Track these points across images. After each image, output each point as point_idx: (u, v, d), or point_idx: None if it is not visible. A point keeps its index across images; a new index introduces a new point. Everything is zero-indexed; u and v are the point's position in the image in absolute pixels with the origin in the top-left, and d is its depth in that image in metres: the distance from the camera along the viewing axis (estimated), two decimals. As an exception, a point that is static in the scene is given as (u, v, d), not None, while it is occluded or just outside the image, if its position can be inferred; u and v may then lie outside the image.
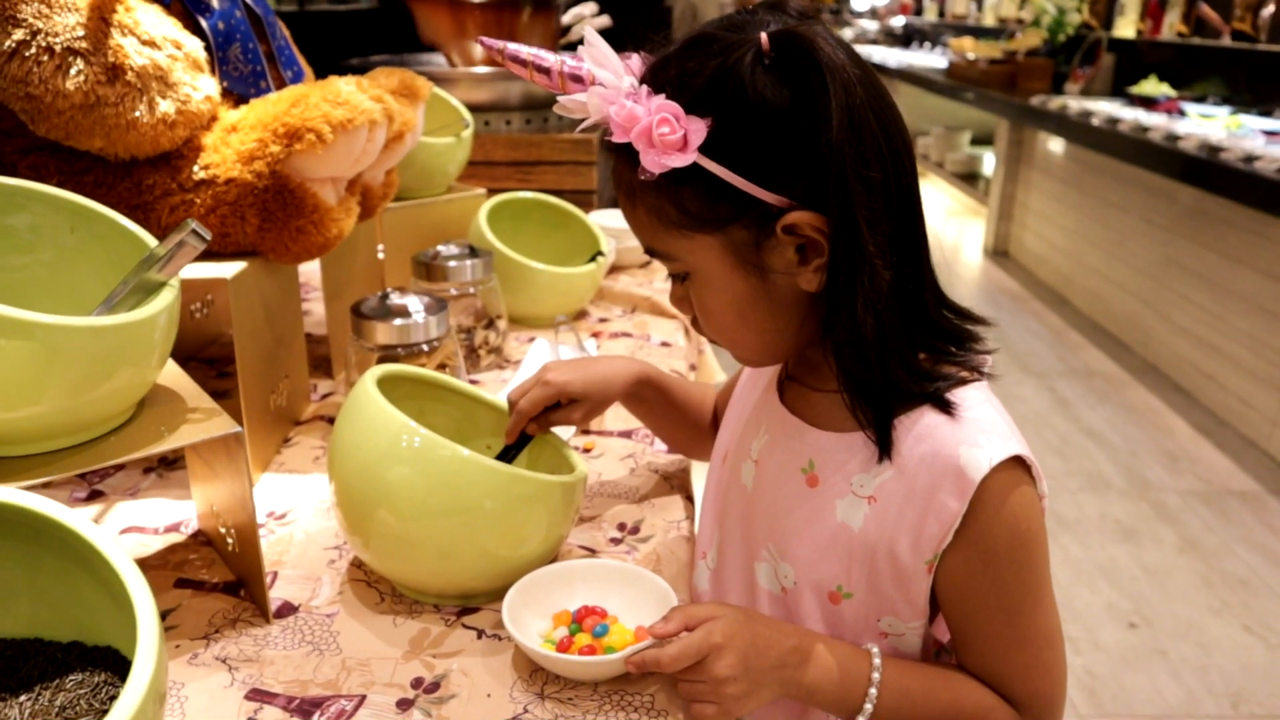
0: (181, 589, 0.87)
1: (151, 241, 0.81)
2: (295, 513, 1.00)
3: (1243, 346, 3.31)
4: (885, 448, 0.73)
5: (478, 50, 2.13)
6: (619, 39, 0.72)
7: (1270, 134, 3.35)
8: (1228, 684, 2.13)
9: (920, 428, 0.72)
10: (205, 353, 1.37)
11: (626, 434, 1.20)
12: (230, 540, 0.87)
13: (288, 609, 0.85)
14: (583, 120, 0.71)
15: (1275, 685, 2.13)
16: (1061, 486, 2.96)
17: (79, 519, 0.58)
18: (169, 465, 1.09)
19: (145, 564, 0.90)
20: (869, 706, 0.73)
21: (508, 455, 0.94)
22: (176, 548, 0.94)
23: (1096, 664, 2.19)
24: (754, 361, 0.83)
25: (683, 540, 0.97)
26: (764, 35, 0.66)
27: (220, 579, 0.89)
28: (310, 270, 1.49)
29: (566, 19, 2.33)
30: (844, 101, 0.65)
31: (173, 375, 0.85)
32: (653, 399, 1.03)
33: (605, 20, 2.33)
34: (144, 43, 0.94)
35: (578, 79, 0.71)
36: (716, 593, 0.89)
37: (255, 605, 0.85)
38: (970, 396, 0.73)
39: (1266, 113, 3.74)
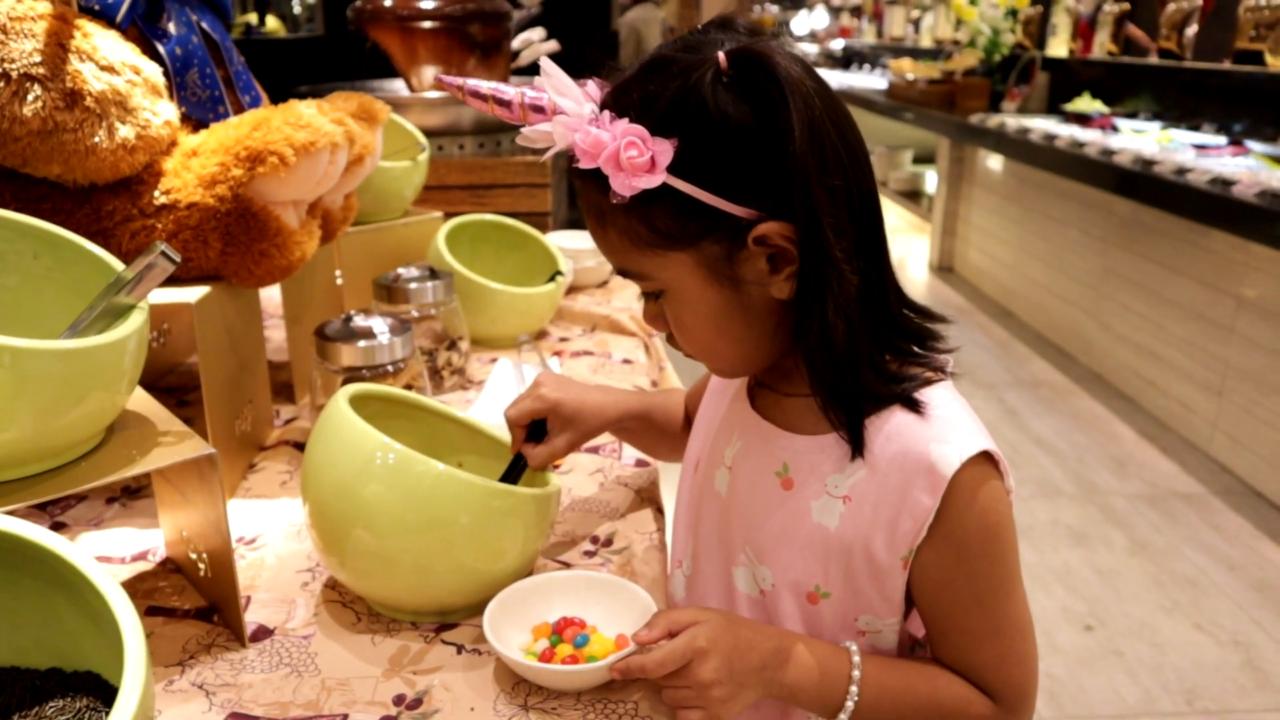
0: (153, 617, 0.86)
1: (117, 266, 0.80)
2: (265, 537, 0.99)
3: (1181, 353, 3.40)
4: (858, 447, 0.74)
5: (428, 75, 2.13)
6: (566, 64, 0.73)
7: (1200, 148, 3.47)
8: (1182, 681, 2.18)
9: (890, 427, 0.74)
10: (164, 382, 1.35)
11: (594, 449, 1.20)
12: (202, 565, 0.86)
13: (263, 633, 0.84)
14: (546, 149, 0.72)
15: (1226, 681, 2.18)
16: (1014, 494, 3.01)
17: (59, 541, 0.57)
18: (132, 494, 1.08)
19: (113, 593, 0.89)
20: (850, 704, 0.74)
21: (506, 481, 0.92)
22: (145, 576, 0.92)
23: (1055, 667, 2.23)
24: (731, 373, 0.84)
25: (655, 550, 0.98)
26: (722, 54, 0.68)
27: (192, 605, 0.88)
28: (269, 295, 1.48)
29: (516, 44, 2.35)
30: (804, 114, 0.67)
31: (141, 400, 0.84)
32: (637, 428, 1.04)
33: (554, 45, 2.35)
34: (102, 68, 0.94)
35: (539, 109, 0.73)
36: (694, 599, 0.90)
37: (230, 630, 0.84)
38: (937, 395, 0.75)
39: (1195, 127, 3.86)
